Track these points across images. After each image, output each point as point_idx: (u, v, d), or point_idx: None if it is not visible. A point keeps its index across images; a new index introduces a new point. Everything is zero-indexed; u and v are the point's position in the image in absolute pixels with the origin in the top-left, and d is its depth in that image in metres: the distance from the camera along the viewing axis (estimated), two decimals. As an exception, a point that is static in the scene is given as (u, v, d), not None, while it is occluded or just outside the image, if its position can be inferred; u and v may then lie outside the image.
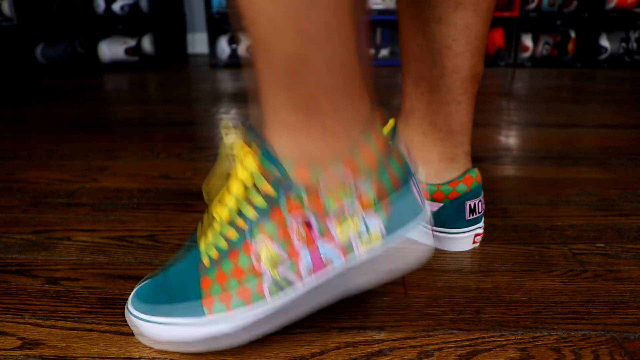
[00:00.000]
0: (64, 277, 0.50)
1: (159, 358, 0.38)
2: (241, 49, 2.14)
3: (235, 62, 2.16)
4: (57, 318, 0.43)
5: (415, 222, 0.39)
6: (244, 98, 1.43)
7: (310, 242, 0.37)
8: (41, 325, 0.42)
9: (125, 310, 0.40)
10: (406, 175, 0.39)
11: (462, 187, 0.52)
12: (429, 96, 0.52)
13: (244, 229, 0.37)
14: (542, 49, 2.08)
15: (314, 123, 0.35)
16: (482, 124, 1.10)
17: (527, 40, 2.08)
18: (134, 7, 2.05)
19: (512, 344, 0.40)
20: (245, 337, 0.38)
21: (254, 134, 0.37)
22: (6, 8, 2.04)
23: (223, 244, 0.38)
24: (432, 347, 0.39)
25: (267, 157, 0.36)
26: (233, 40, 2.15)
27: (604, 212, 0.64)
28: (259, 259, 0.37)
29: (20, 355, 0.39)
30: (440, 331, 0.41)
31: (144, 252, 0.55)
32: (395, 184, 0.38)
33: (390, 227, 0.38)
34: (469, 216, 0.53)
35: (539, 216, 0.63)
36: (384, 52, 2.24)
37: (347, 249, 0.37)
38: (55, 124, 1.15)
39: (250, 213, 0.37)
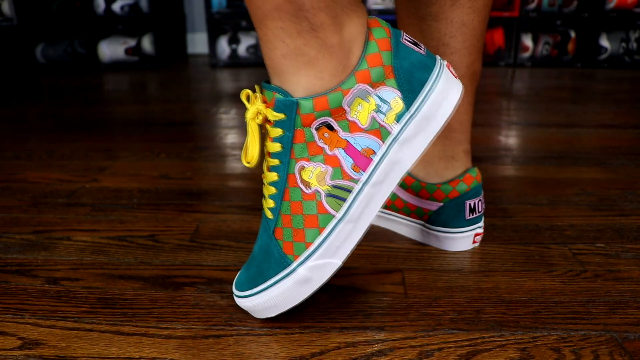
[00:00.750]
0: (64, 277, 0.50)
1: (159, 358, 0.38)
2: (241, 49, 2.14)
3: (235, 62, 2.16)
4: (57, 318, 0.43)
5: (433, 74, 0.40)
6: (244, 98, 1.43)
7: (340, 142, 0.38)
8: (41, 325, 0.42)
9: (234, 298, 0.43)
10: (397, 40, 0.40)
11: (462, 187, 0.52)
12: None
13: (279, 165, 0.39)
14: (542, 49, 2.08)
15: (319, 45, 0.36)
16: (482, 124, 1.10)
17: (527, 40, 2.08)
18: (134, 7, 2.05)
19: (512, 344, 0.40)
20: (337, 262, 0.40)
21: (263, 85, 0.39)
22: (6, 8, 2.04)
23: (272, 190, 0.40)
24: (432, 347, 0.39)
25: (267, 87, 0.38)
26: (233, 40, 2.15)
27: (604, 212, 0.64)
28: (306, 183, 0.39)
29: (20, 355, 0.39)
30: (440, 331, 0.41)
31: (144, 252, 0.55)
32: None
33: (408, 93, 0.39)
34: (469, 216, 0.53)
35: (539, 216, 0.63)
36: (384, 52, 2.24)
37: (377, 130, 0.39)
38: (55, 124, 1.15)
39: (276, 147, 0.39)
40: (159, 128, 1.10)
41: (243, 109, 1.28)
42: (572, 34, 2.06)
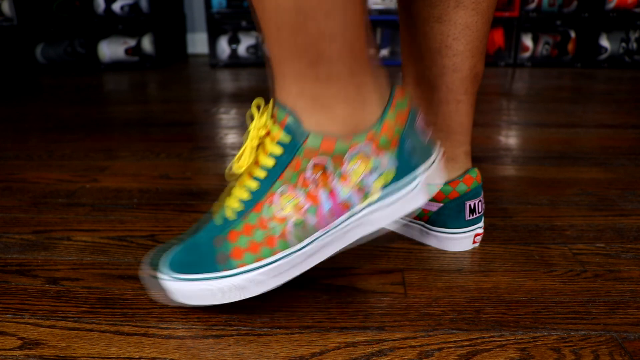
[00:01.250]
0: (64, 277, 0.50)
1: (158, 358, 0.38)
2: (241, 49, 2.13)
3: (235, 62, 2.16)
4: (57, 318, 0.43)
5: (426, 164, 0.44)
6: (244, 98, 1.43)
7: (327, 186, 0.41)
8: (41, 325, 0.42)
9: (159, 276, 0.43)
10: (412, 123, 0.43)
11: (462, 187, 0.52)
12: (429, 95, 0.52)
13: (264, 178, 0.41)
14: (542, 49, 2.08)
15: (335, 93, 0.40)
16: (482, 124, 1.10)
17: (527, 40, 2.08)
18: (134, 7, 2.05)
19: (512, 344, 0.40)
20: (275, 284, 0.42)
21: (274, 103, 0.41)
22: (6, 8, 2.04)
23: (246, 196, 0.42)
24: (432, 347, 0.39)
25: (283, 108, 0.40)
26: (233, 40, 2.15)
27: (604, 212, 0.64)
28: (282, 207, 0.41)
29: (20, 355, 0.39)
30: (440, 331, 0.41)
31: (144, 252, 0.55)
32: (402, 125, 0.42)
33: (403, 168, 0.43)
34: (469, 216, 0.53)
35: (539, 216, 0.63)
36: (384, 52, 2.24)
37: (362, 189, 0.42)
38: (55, 124, 1.15)
39: (269, 162, 0.41)
40: (159, 128, 1.10)
41: (243, 109, 1.28)
42: (572, 34, 2.06)
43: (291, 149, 0.40)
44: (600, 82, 1.70)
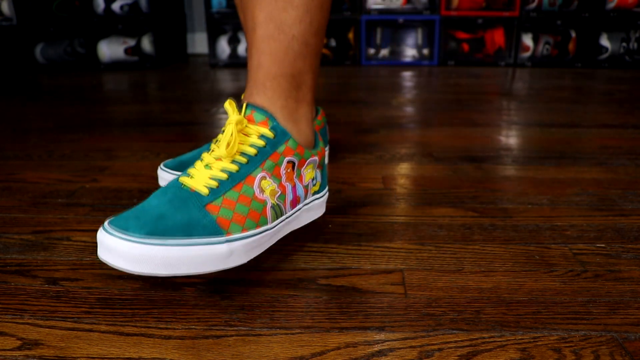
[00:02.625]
0: (64, 277, 0.50)
1: (158, 358, 0.38)
2: (241, 49, 2.13)
3: (235, 62, 2.16)
4: (57, 318, 0.43)
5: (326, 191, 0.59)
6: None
7: (291, 180, 0.51)
8: (41, 326, 0.42)
9: (110, 238, 0.42)
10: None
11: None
12: None
13: (245, 163, 0.48)
14: (542, 48, 2.08)
15: (303, 113, 0.54)
16: (482, 124, 1.10)
17: (528, 40, 2.08)
18: (133, 7, 2.05)
19: (512, 344, 0.40)
20: (247, 259, 0.47)
21: (257, 109, 0.51)
22: (6, 8, 2.04)
23: (223, 176, 0.47)
24: (432, 347, 0.39)
25: (262, 112, 0.50)
26: (233, 40, 2.15)
27: (605, 212, 0.64)
28: (261, 190, 0.48)
29: (20, 355, 0.39)
30: (440, 331, 0.41)
31: (143, 252, 0.54)
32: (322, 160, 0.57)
33: (322, 185, 0.58)
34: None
35: (539, 216, 0.63)
36: (384, 52, 2.24)
37: (307, 189, 0.54)
38: (54, 123, 1.15)
39: (251, 151, 0.48)
40: (159, 128, 1.10)
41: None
42: (573, 34, 2.06)
43: (273, 144, 0.49)
44: (600, 82, 1.70)
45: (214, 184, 0.46)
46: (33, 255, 0.54)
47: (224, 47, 2.14)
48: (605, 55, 2.04)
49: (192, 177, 0.47)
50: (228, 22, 2.15)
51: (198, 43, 2.52)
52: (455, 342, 0.40)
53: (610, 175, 0.77)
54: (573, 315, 0.43)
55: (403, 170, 0.80)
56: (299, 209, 0.54)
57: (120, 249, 0.41)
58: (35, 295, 0.47)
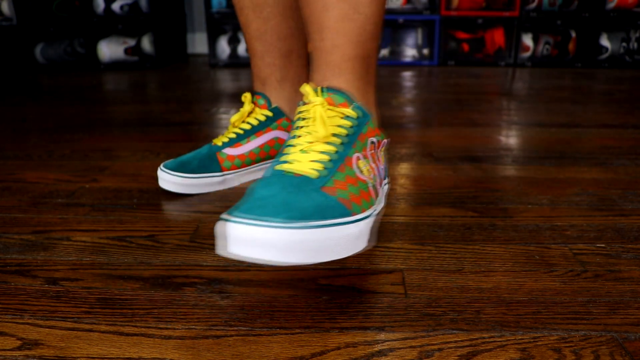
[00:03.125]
0: (64, 277, 0.50)
1: (158, 358, 0.38)
2: (242, 49, 2.13)
3: (235, 62, 2.16)
4: (57, 318, 0.43)
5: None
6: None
7: (375, 162, 0.51)
8: (41, 326, 0.42)
9: (251, 229, 0.37)
10: None
11: None
12: None
13: (339, 144, 0.48)
14: (542, 48, 2.08)
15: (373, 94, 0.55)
16: (482, 124, 1.10)
17: (528, 40, 2.08)
18: (133, 7, 2.05)
19: (512, 344, 0.40)
20: (367, 241, 0.46)
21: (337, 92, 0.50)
22: (6, 8, 2.04)
23: (325, 158, 0.46)
24: (432, 347, 0.39)
25: (342, 95, 0.50)
26: (233, 40, 2.15)
27: (605, 212, 0.64)
28: (360, 170, 0.48)
29: (20, 355, 0.39)
30: (440, 331, 0.41)
31: (143, 252, 0.55)
32: None
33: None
34: None
35: (539, 216, 0.63)
36: (384, 52, 2.24)
37: (385, 172, 0.56)
38: (54, 123, 1.15)
39: (343, 132, 0.48)
40: (159, 128, 1.10)
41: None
42: (573, 34, 2.06)
43: (359, 126, 0.50)
44: (600, 82, 1.70)
45: (319, 166, 0.46)
46: (33, 255, 0.54)
47: (224, 47, 2.14)
48: (605, 55, 2.04)
49: (292, 162, 0.46)
50: (228, 22, 2.15)
51: (198, 43, 2.52)
52: (455, 342, 0.40)
53: (610, 175, 0.77)
54: (573, 315, 0.43)
55: (403, 170, 0.80)
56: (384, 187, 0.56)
57: (268, 238, 0.36)
58: (35, 295, 0.46)
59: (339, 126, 0.49)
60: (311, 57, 0.53)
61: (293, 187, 0.42)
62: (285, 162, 0.46)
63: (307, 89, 0.49)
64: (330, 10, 0.49)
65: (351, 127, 0.49)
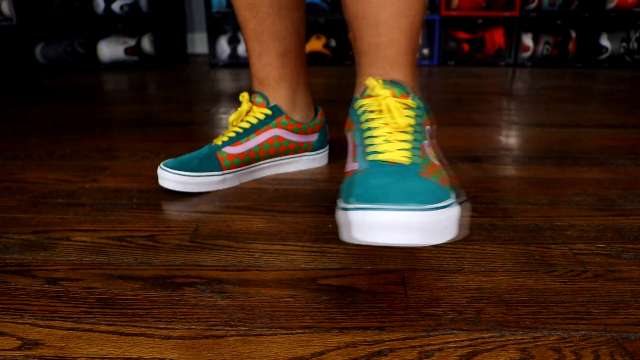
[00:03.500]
0: (64, 277, 0.50)
1: (158, 358, 0.38)
2: (241, 49, 2.13)
3: (235, 62, 2.16)
4: (57, 318, 0.43)
5: None
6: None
7: (435, 149, 0.53)
8: (41, 326, 0.42)
9: (392, 214, 0.38)
10: None
11: (320, 120, 0.81)
12: None
13: (413, 132, 0.50)
14: (542, 48, 2.08)
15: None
16: (482, 124, 1.10)
17: (528, 40, 2.08)
18: (133, 7, 2.05)
19: (512, 344, 0.40)
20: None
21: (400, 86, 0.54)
22: (6, 8, 2.04)
23: (409, 146, 0.49)
24: (432, 347, 0.39)
25: (402, 88, 0.53)
26: (233, 40, 2.15)
27: (605, 212, 0.64)
28: (433, 157, 0.50)
29: (20, 355, 0.39)
30: (440, 331, 0.41)
31: (143, 252, 0.55)
32: None
33: None
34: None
35: (539, 216, 0.63)
36: (384, 52, 2.23)
37: None
38: (54, 123, 1.15)
39: (413, 122, 0.51)
40: (159, 128, 1.10)
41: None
42: (573, 34, 2.06)
43: (421, 116, 0.53)
44: (600, 82, 1.70)
45: (408, 154, 0.48)
46: (33, 255, 0.54)
47: (224, 47, 2.14)
48: (605, 55, 2.04)
49: (383, 153, 0.48)
50: (228, 22, 2.15)
51: (198, 43, 2.52)
52: (455, 342, 0.40)
53: (610, 175, 0.77)
54: (573, 315, 0.43)
55: (403, 170, 0.80)
56: None
57: (410, 222, 0.38)
58: (35, 295, 0.46)
59: (407, 116, 0.51)
60: (361, 52, 0.57)
61: (397, 175, 0.44)
62: (376, 152, 0.49)
63: (373, 82, 0.52)
64: (387, 7, 0.52)
65: (416, 116, 0.52)
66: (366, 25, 0.54)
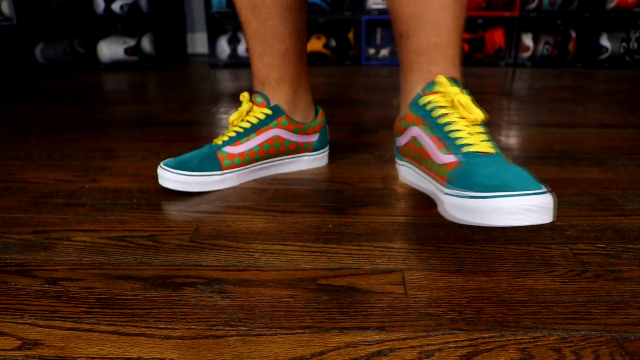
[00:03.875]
0: (64, 277, 0.50)
1: (158, 358, 0.38)
2: (242, 49, 2.13)
3: (235, 62, 2.16)
4: (57, 318, 0.43)
5: None
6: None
7: None
8: (41, 326, 0.42)
9: (523, 199, 0.44)
10: None
11: (320, 120, 0.82)
12: None
13: (482, 123, 0.56)
14: (542, 48, 2.08)
15: None
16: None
17: (528, 40, 2.08)
18: (133, 7, 2.05)
19: (512, 344, 0.40)
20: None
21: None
22: (6, 8, 2.04)
23: (487, 137, 0.55)
24: (432, 347, 0.39)
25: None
26: (233, 40, 2.15)
27: (605, 212, 0.64)
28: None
29: (20, 355, 0.39)
30: (440, 331, 0.41)
31: (143, 252, 0.55)
32: None
33: None
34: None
35: (539, 216, 0.62)
36: (384, 52, 2.24)
37: None
38: (54, 123, 1.15)
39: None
40: (159, 128, 1.10)
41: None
42: (573, 34, 2.06)
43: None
44: (600, 82, 1.70)
45: (490, 144, 0.53)
46: (33, 255, 0.54)
47: (224, 47, 2.14)
48: (605, 55, 2.04)
49: (474, 145, 0.53)
50: (228, 22, 2.15)
51: (198, 43, 2.52)
52: (455, 342, 0.40)
53: (610, 175, 0.77)
54: (573, 315, 0.43)
55: (403, 170, 0.80)
56: None
57: (544, 204, 0.44)
58: (35, 295, 0.46)
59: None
60: (418, 51, 0.60)
61: (498, 164, 0.49)
62: (467, 144, 0.53)
63: (442, 79, 0.57)
64: (448, 10, 0.57)
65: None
66: (427, 26, 0.58)
